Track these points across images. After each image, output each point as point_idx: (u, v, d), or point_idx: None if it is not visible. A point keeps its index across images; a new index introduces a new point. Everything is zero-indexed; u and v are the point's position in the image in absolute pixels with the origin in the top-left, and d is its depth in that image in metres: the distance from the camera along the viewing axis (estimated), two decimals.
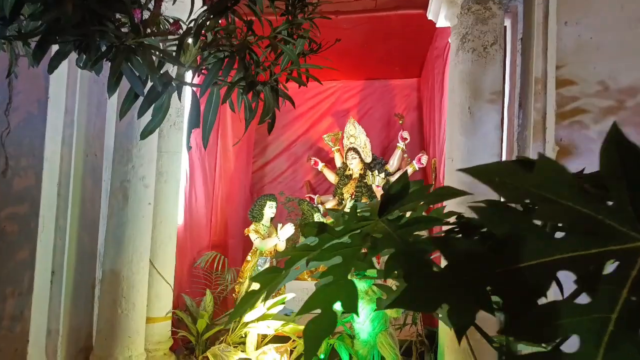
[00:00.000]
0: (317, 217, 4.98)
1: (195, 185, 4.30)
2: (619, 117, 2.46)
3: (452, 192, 0.82)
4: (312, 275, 4.98)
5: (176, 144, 3.72)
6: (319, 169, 5.62)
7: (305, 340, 0.67)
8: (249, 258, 4.41)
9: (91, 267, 3.33)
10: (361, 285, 3.31)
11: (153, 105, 1.56)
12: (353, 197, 4.97)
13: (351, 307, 0.73)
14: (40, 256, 2.87)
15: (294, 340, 3.59)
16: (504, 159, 2.96)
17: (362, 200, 4.92)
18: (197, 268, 4.35)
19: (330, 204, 5.32)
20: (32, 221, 2.85)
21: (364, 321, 3.30)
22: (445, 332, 2.91)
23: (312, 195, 5.52)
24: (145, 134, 1.76)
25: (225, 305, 4.42)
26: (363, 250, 0.78)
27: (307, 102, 6.06)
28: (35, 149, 2.89)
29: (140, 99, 1.28)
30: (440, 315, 0.96)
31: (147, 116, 1.25)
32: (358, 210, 0.88)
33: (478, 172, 0.56)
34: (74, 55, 1.26)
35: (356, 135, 5.04)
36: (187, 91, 1.42)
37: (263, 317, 3.60)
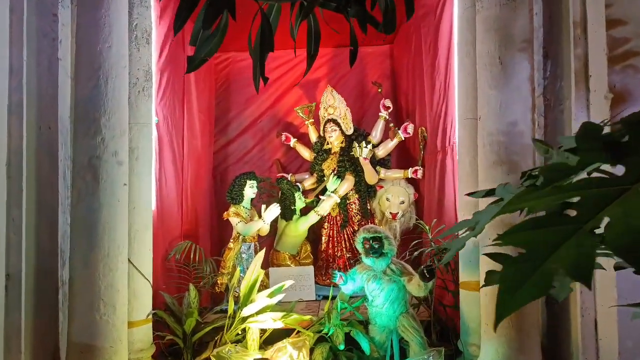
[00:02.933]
0: (299, 197, 4.56)
1: (165, 165, 3.70)
2: None
3: None
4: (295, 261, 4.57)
5: (146, 114, 3.12)
6: (291, 145, 5.17)
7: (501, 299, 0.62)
8: (230, 245, 3.90)
9: (53, 266, 2.69)
10: (381, 263, 2.95)
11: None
12: (335, 172, 4.58)
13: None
14: None
15: (298, 332, 3.18)
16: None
17: (347, 176, 4.55)
18: (171, 261, 3.77)
19: (308, 182, 4.90)
20: None
21: (383, 304, 2.95)
22: (484, 309, 2.63)
23: (285, 175, 5.06)
24: (196, 63, 1.40)
25: (207, 301, 3.89)
26: None
27: (271, 73, 5.53)
28: None
29: None
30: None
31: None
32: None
33: None
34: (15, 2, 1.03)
35: (335, 105, 4.64)
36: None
37: (262, 310, 3.15)
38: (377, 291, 2.95)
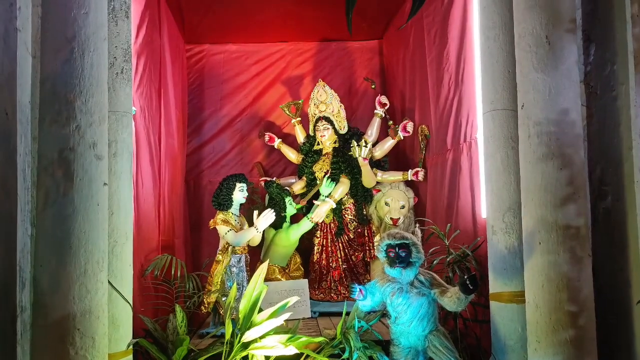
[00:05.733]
0: (289, 202, 4.11)
1: (142, 164, 3.17)
2: None
3: None
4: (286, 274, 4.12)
5: (125, 102, 2.60)
6: (275, 146, 4.72)
7: None
8: (219, 257, 3.38)
9: (9, 288, 2.11)
10: (408, 274, 2.56)
11: None
12: (329, 175, 4.16)
13: None
14: None
15: (307, 358, 2.73)
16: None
17: (342, 179, 4.15)
18: (147, 278, 3.22)
19: (298, 186, 4.46)
20: None
21: (410, 321, 2.56)
22: (533, 324, 2.28)
23: (268, 179, 4.60)
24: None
25: (192, 324, 3.36)
26: None
27: (249, 68, 5.11)
28: None
29: None
30: None
31: None
32: None
33: None
34: None
35: (327, 101, 4.24)
36: None
37: (265, 334, 2.67)
38: (403, 306, 2.56)
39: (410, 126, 4.15)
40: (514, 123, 2.56)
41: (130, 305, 2.54)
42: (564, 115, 2.26)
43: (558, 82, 2.29)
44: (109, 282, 2.27)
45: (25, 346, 2.13)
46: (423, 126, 4.04)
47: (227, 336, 2.67)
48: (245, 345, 2.62)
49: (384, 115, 4.28)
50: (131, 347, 2.55)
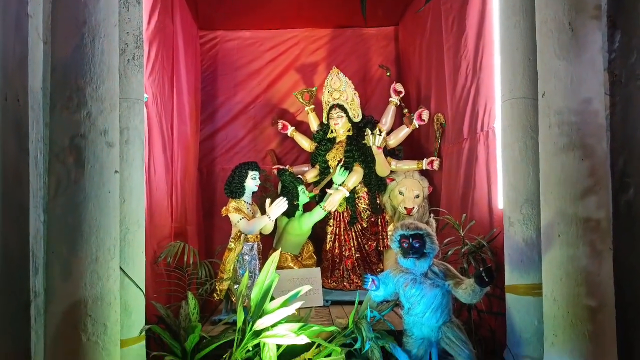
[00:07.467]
0: (302, 191, 4.08)
1: (154, 151, 3.16)
2: None
3: None
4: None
5: (137, 89, 2.59)
6: (288, 134, 4.68)
7: None
8: (231, 245, 3.38)
9: (22, 274, 2.13)
10: (422, 265, 2.52)
11: None
12: (342, 164, 4.11)
13: None
14: None
15: (318, 346, 2.72)
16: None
17: (355, 168, 4.10)
18: (160, 265, 3.23)
19: (310, 174, 4.42)
20: None
21: (424, 312, 2.52)
22: (551, 318, 2.23)
23: (281, 167, 4.57)
24: None
25: (204, 311, 3.37)
26: None
27: (263, 55, 5.05)
28: None
29: None
30: None
31: None
32: None
33: None
34: None
35: (341, 89, 4.18)
36: None
37: (276, 322, 2.66)
38: (416, 297, 2.52)
39: (425, 114, 4.07)
40: (534, 112, 2.48)
41: (143, 292, 2.56)
42: (586, 105, 2.18)
43: (581, 70, 2.20)
44: (121, 268, 2.28)
45: (39, 331, 2.15)
46: (439, 114, 3.95)
47: (239, 324, 2.67)
48: (257, 333, 2.62)
49: (399, 103, 4.21)
50: (144, 333, 2.57)
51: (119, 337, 2.16)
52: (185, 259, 3.24)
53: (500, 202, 2.96)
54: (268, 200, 3.45)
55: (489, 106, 3.12)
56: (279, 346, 2.67)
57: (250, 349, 2.65)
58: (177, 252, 3.21)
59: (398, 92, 4.16)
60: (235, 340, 2.64)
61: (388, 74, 4.43)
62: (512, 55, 2.69)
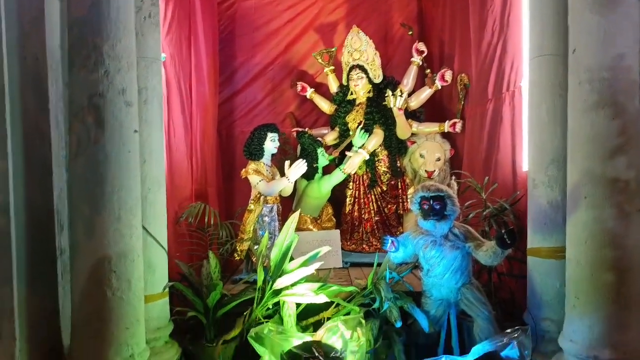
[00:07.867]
0: (321, 153, 4.05)
1: (173, 112, 3.15)
2: None
3: None
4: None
5: (154, 47, 2.57)
6: (307, 96, 4.62)
7: None
8: (251, 207, 3.40)
9: (48, 231, 2.18)
10: (442, 227, 2.49)
11: None
12: (362, 126, 4.05)
13: None
14: None
15: (337, 306, 2.75)
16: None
17: (375, 130, 4.04)
18: (182, 225, 3.28)
19: (330, 137, 4.38)
20: None
21: (443, 274, 2.52)
22: (573, 281, 2.19)
23: (300, 129, 4.53)
24: None
25: (225, 271, 3.43)
26: None
27: (281, 15, 4.93)
28: None
29: None
30: None
31: None
32: None
33: None
34: None
35: (362, 49, 4.07)
36: None
37: (296, 282, 2.70)
38: (436, 259, 2.51)
39: (448, 75, 3.95)
40: (563, 70, 2.38)
41: (165, 250, 2.61)
42: (619, 60, 2.06)
43: (615, 24, 2.07)
44: (143, 227, 2.31)
45: (66, 287, 2.22)
46: (462, 75, 3.83)
47: (259, 283, 2.71)
48: (277, 292, 2.66)
49: (421, 63, 4.08)
50: (167, 290, 2.64)
51: (143, 293, 2.21)
52: (206, 220, 3.28)
53: (524, 164, 2.89)
54: (287, 163, 3.44)
55: (515, 64, 3.01)
56: (298, 305, 2.72)
57: (270, 307, 2.70)
58: (198, 213, 3.25)
59: (420, 52, 4.04)
60: (256, 299, 2.69)
61: (410, 32, 4.29)
62: (541, 11, 2.57)
